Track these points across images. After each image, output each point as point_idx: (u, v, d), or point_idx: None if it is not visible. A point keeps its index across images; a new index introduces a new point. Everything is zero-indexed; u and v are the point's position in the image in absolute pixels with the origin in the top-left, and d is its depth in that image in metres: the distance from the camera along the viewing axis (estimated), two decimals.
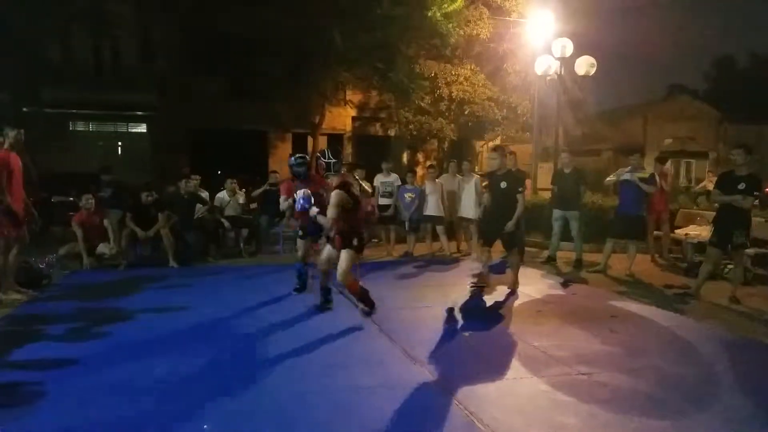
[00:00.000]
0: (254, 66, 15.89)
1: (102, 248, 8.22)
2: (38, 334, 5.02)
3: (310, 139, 18.69)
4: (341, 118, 20.15)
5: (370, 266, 8.63)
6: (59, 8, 15.22)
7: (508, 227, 6.50)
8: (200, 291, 6.90)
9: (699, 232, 8.58)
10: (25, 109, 15.95)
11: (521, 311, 6.05)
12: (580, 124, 18.22)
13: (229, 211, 9.74)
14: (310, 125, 17.95)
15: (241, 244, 9.73)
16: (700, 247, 8.15)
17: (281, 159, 19.78)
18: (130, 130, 19.89)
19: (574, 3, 14.03)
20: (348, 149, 20.90)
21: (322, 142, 19.35)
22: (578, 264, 8.55)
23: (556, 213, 8.89)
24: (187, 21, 16.32)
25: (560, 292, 7.10)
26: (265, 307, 6.09)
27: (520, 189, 6.62)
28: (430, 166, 10.43)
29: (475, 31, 14.81)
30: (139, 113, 18.75)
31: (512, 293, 6.78)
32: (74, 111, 18.10)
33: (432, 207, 9.51)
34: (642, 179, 7.88)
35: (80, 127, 19.33)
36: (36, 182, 10.36)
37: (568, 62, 11.51)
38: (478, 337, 5.10)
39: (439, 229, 9.61)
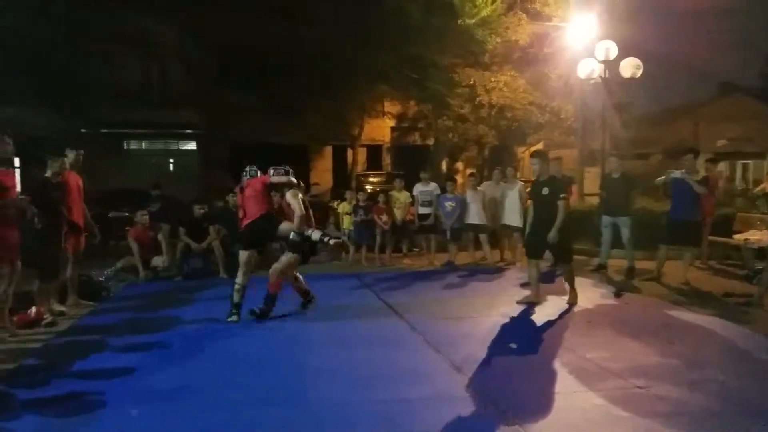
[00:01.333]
0: (293, 81, 16.23)
1: (156, 261, 8.51)
2: (99, 344, 5.17)
3: (349, 151, 18.89)
4: (380, 129, 20.34)
5: (411, 276, 8.63)
6: (109, 35, 15.98)
7: (551, 238, 6.25)
8: (249, 301, 6.98)
9: (759, 237, 8.17)
10: (83, 131, 16.74)
11: (572, 322, 5.88)
12: (627, 128, 17.71)
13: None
14: (350, 137, 18.14)
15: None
16: (761, 253, 7.77)
17: (322, 171, 20.11)
18: (180, 147, 20.61)
19: (616, 5, 13.70)
20: (387, 159, 21.05)
21: (362, 154, 19.53)
22: (630, 272, 8.24)
23: (606, 220, 8.65)
24: (228, 40, 16.80)
25: (612, 301, 6.88)
26: (309, 316, 6.14)
27: (561, 196, 6.35)
28: (471, 174, 10.36)
29: (513, 37, 14.68)
30: (188, 131, 19.41)
31: (570, 308, 6.46)
32: (128, 131, 18.86)
33: (474, 215, 9.42)
34: (695, 181, 7.55)
35: (134, 145, 20.16)
36: (93, 199, 10.82)
37: (612, 65, 11.23)
38: (526, 349, 4.99)
39: (482, 237, 9.52)
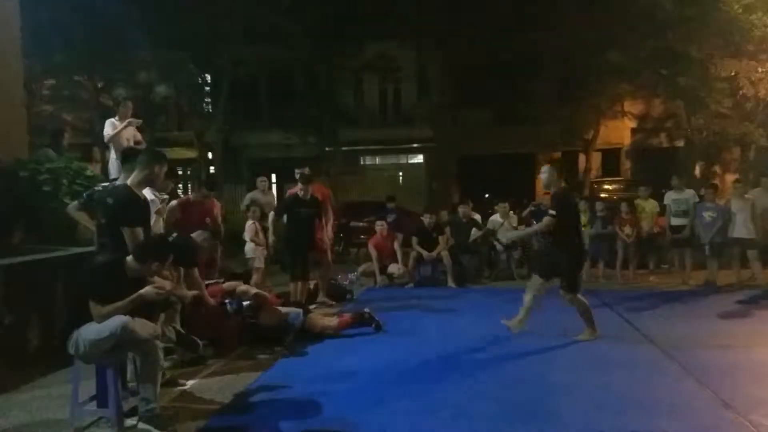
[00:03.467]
0: (521, 90, 16.05)
1: (392, 268, 9.08)
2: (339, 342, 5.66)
3: (581, 156, 17.93)
4: (618, 131, 19.01)
5: (660, 296, 7.76)
6: (353, 61, 17.79)
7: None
8: (480, 311, 7.03)
9: None
10: (327, 149, 18.86)
11: None
12: None
13: (501, 234, 9.81)
14: (582, 142, 17.24)
15: (513, 266, 9.67)
16: None
17: None
18: (409, 161, 21.94)
19: None
20: (625, 164, 19.48)
21: (596, 159, 18.40)
22: None
23: None
24: (458, 56, 17.34)
25: None
26: (547, 331, 5.81)
27: (551, 213, 5.30)
28: (737, 180, 8.89)
29: None
30: (416, 145, 20.55)
31: None
32: (364, 147, 20.71)
33: (740, 227, 8.15)
34: None
35: (369, 161, 22.04)
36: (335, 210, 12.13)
37: None
38: None
39: (751, 254, 8.17)
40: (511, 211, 10.34)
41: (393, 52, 18.68)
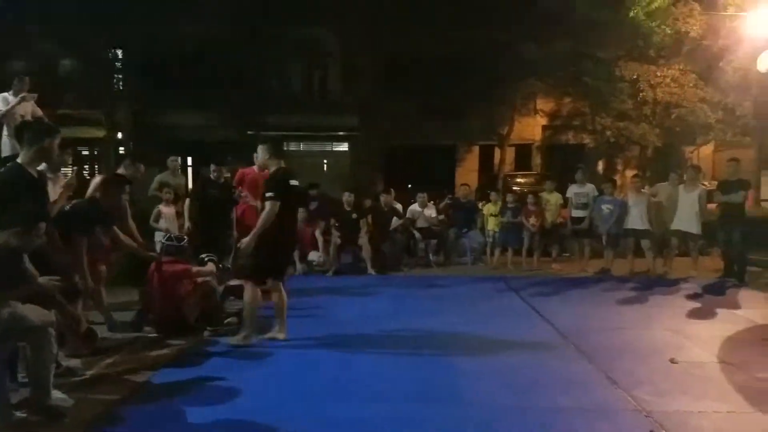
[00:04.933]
0: (446, 84, 16.46)
1: (312, 256, 9.13)
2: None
3: (497, 151, 18.67)
4: (530, 127, 19.87)
5: (561, 282, 8.35)
6: (278, 45, 17.46)
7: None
8: (396, 298, 7.28)
9: None
10: (249, 133, 18.46)
11: (743, 338, 5.35)
12: None
13: (420, 223, 10.14)
14: (498, 137, 17.95)
15: (430, 255, 10.03)
16: None
17: (468, 171, 20.11)
18: (334, 149, 21.89)
19: None
20: (537, 159, 20.47)
21: (510, 153, 19.22)
22: None
23: None
24: (385, 46, 17.50)
25: None
26: (458, 317, 6.19)
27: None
28: (635, 176, 9.60)
29: (684, 29, 13.58)
30: (342, 134, 20.54)
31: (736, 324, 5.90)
32: (288, 133, 20.44)
33: (636, 220, 8.76)
34: None
35: (293, 147, 21.79)
36: None
37: None
38: (690, 365, 4.62)
39: (644, 243, 8.82)
40: (431, 202, 10.70)
41: (320, 38, 18.51)
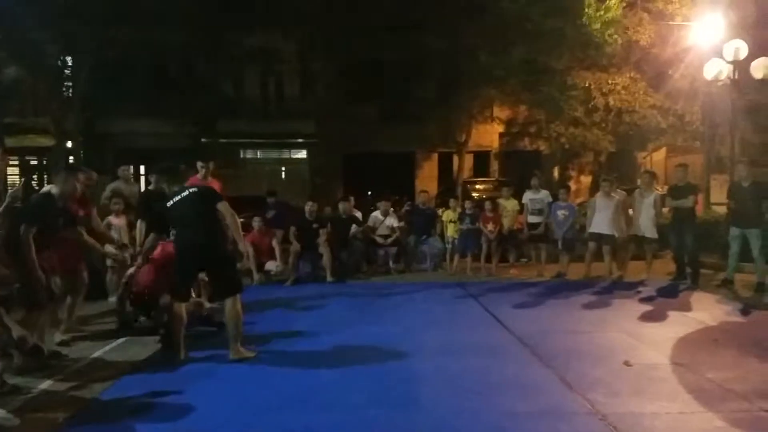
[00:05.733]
0: (405, 90, 16.53)
1: (269, 265, 8.96)
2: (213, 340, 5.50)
3: (455, 158, 18.83)
4: (488, 134, 20.13)
5: (518, 287, 8.41)
6: (234, 52, 17.19)
7: None
8: (354, 306, 7.19)
9: None
10: (203, 140, 18.10)
11: (694, 340, 5.47)
12: (762, 132, 16.19)
13: (381, 231, 10.10)
14: (456, 144, 18.11)
15: (390, 262, 10.00)
16: None
17: (428, 178, 20.23)
18: (292, 156, 21.68)
19: (746, 1, 12.62)
20: (494, 166, 20.76)
21: (468, 160, 19.43)
22: (761, 288, 7.53)
23: (734, 231, 7.94)
24: (343, 52, 17.45)
25: (740, 319, 6.33)
26: (416, 323, 6.18)
27: None
28: (605, 180, 9.56)
29: (634, 38, 14.00)
30: (300, 140, 20.36)
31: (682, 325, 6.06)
32: (245, 140, 20.14)
33: (600, 224, 8.74)
34: None
35: (249, 154, 21.48)
36: None
37: (742, 65, 10.37)
38: (643, 367, 4.69)
39: (605, 249, 8.82)
40: (392, 209, 10.68)
41: (276, 44, 18.30)
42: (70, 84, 17.52)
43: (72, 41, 15.34)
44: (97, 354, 5.08)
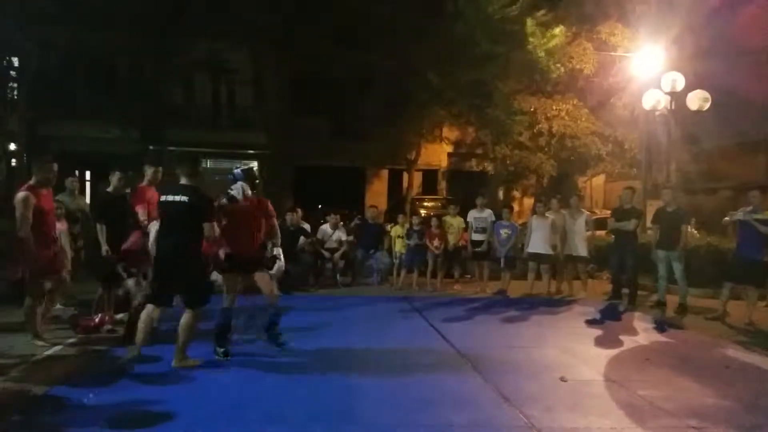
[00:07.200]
0: (355, 106, 16.63)
1: (214, 276, 8.74)
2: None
3: (405, 175, 19.03)
4: (437, 154, 20.46)
5: (461, 302, 8.57)
6: (183, 59, 16.87)
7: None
8: (300, 319, 7.07)
9: None
10: (151, 147, 17.58)
11: (627, 358, 5.71)
12: (696, 161, 17.12)
13: (330, 244, 10.08)
14: (406, 162, 18.32)
15: (338, 276, 9.99)
16: None
17: (377, 193, 20.35)
18: (243, 167, 21.31)
19: (684, 37, 13.44)
20: (442, 184, 21.07)
21: (417, 178, 19.67)
22: (682, 309, 7.90)
23: (660, 254, 8.31)
24: (295, 66, 17.43)
25: (671, 339, 6.64)
26: (360, 336, 6.21)
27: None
28: (539, 201, 9.97)
29: (578, 66, 14.60)
30: (251, 151, 20.09)
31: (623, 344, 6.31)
32: (194, 149, 19.66)
33: (537, 243, 9.14)
34: (760, 220, 7.23)
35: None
36: None
37: (679, 97, 10.98)
38: (577, 383, 4.86)
39: (543, 267, 9.19)
40: (341, 222, 10.67)
41: (227, 53, 18.05)
42: (15, 85, 16.76)
43: (17, 42, 14.69)
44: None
